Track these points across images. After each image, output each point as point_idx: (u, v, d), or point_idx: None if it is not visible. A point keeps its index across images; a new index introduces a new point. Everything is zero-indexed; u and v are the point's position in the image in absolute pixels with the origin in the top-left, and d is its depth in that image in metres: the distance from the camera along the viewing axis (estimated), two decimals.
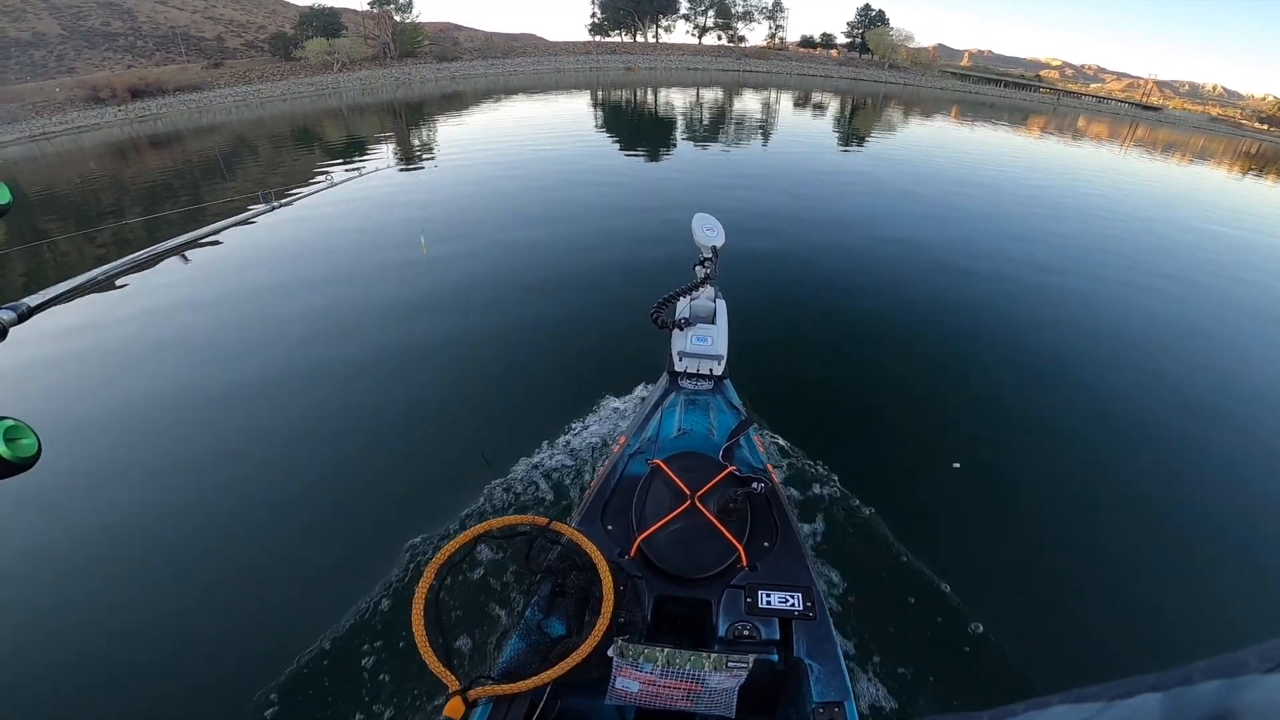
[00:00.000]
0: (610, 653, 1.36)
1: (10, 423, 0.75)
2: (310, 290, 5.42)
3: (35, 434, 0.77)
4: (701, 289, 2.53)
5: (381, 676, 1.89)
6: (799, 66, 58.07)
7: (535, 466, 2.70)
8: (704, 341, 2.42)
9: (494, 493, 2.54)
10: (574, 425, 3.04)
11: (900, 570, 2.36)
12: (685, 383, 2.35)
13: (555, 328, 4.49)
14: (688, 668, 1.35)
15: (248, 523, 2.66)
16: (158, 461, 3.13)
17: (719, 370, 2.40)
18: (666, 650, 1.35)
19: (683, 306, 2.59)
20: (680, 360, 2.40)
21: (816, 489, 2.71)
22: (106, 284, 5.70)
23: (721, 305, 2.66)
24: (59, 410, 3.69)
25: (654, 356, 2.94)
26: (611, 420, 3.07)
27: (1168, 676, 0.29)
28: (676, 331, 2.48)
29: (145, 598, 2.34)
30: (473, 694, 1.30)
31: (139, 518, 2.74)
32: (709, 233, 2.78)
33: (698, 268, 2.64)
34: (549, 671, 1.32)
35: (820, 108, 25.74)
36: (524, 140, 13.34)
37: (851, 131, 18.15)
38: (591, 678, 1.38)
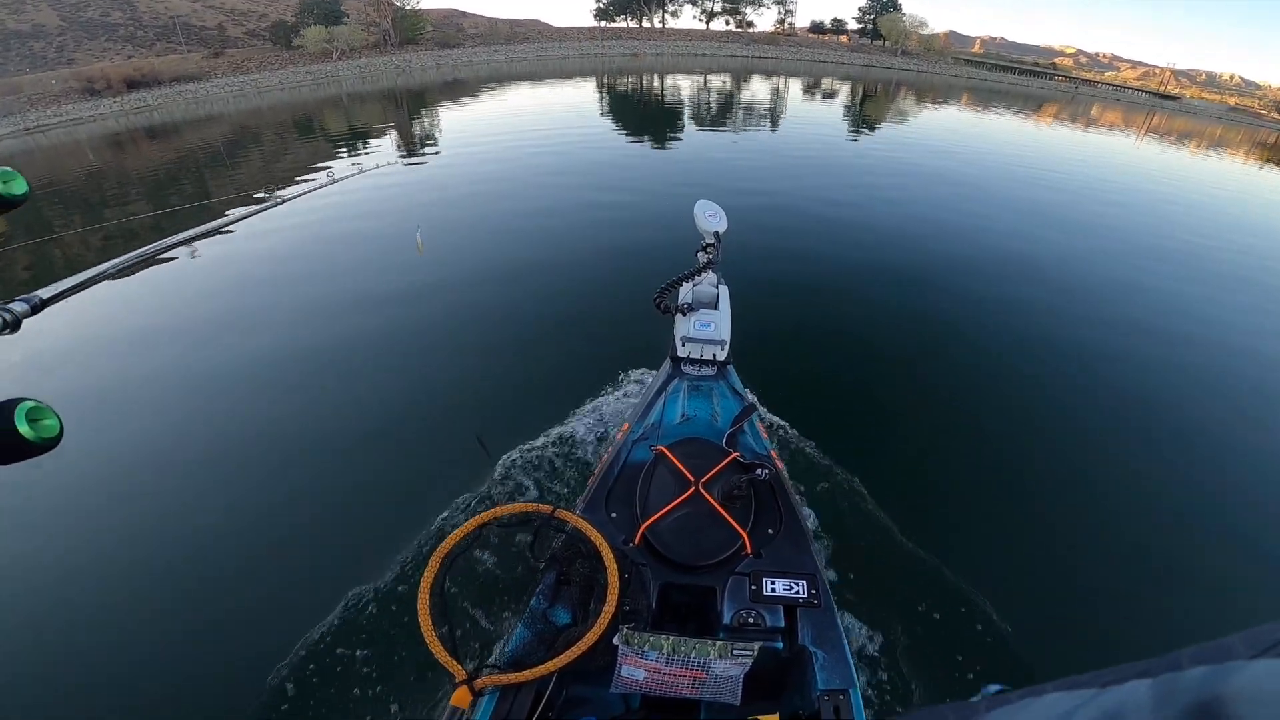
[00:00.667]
0: (615, 641, 1.35)
1: (32, 404, 0.76)
2: (310, 288, 5.41)
3: (57, 415, 0.78)
4: (704, 274, 2.51)
5: (388, 666, 1.89)
6: (809, 52, 57.27)
7: (538, 455, 2.69)
8: (707, 327, 2.41)
9: (497, 482, 2.54)
10: (576, 412, 3.03)
11: (905, 558, 2.36)
12: (688, 369, 2.33)
13: (556, 316, 4.48)
14: (693, 655, 1.35)
15: (249, 516, 2.66)
16: (158, 458, 3.14)
17: (722, 356, 2.38)
18: (671, 638, 1.34)
19: (685, 292, 2.57)
20: (683, 346, 2.38)
21: (820, 475, 2.70)
22: (108, 279, 5.71)
23: (724, 291, 2.64)
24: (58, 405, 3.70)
25: (656, 343, 2.92)
26: (615, 407, 3.06)
27: (1157, 663, 0.29)
28: (679, 317, 2.47)
29: (147, 593, 2.35)
30: (479, 683, 1.30)
31: (141, 514, 2.75)
32: (711, 218, 2.76)
33: (700, 253, 2.62)
34: (554, 660, 1.32)
35: (830, 95, 25.34)
36: (523, 136, 12.99)
37: (862, 118, 17.89)
38: (597, 666, 1.38)
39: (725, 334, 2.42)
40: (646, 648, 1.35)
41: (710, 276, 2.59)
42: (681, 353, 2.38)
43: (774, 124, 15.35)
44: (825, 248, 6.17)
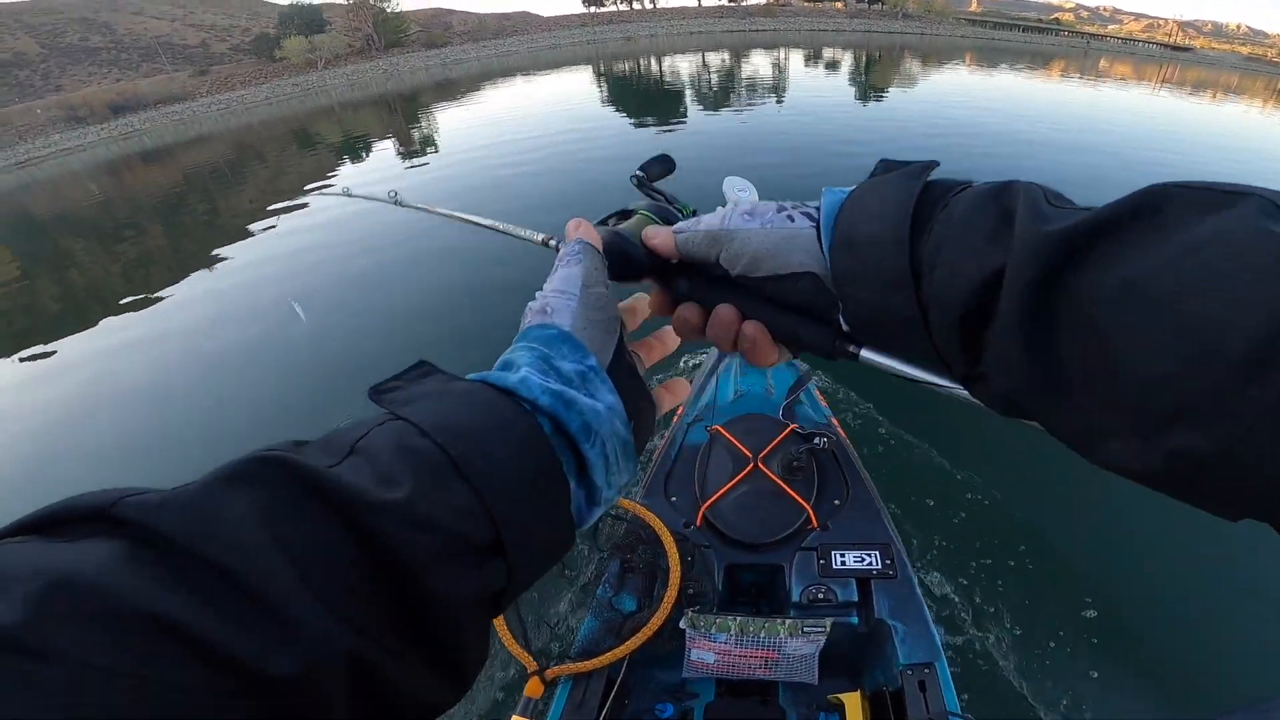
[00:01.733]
0: (682, 625, 1.35)
1: None
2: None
3: None
4: None
5: None
6: (807, 22, 56.49)
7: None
8: None
9: None
10: None
11: (994, 519, 2.24)
12: None
13: None
14: (762, 635, 1.33)
15: None
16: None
17: None
18: (739, 619, 1.33)
19: None
20: None
21: (893, 442, 2.59)
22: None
23: None
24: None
25: None
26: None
27: None
28: None
29: None
30: (550, 673, 1.32)
31: None
32: (741, 193, 2.70)
33: None
34: (621, 647, 1.33)
35: (834, 65, 24.70)
36: (518, 144, 11.09)
37: (870, 87, 17.38)
38: (666, 650, 1.38)
39: None
40: (714, 630, 1.34)
41: None
42: None
43: (779, 99, 14.96)
44: None
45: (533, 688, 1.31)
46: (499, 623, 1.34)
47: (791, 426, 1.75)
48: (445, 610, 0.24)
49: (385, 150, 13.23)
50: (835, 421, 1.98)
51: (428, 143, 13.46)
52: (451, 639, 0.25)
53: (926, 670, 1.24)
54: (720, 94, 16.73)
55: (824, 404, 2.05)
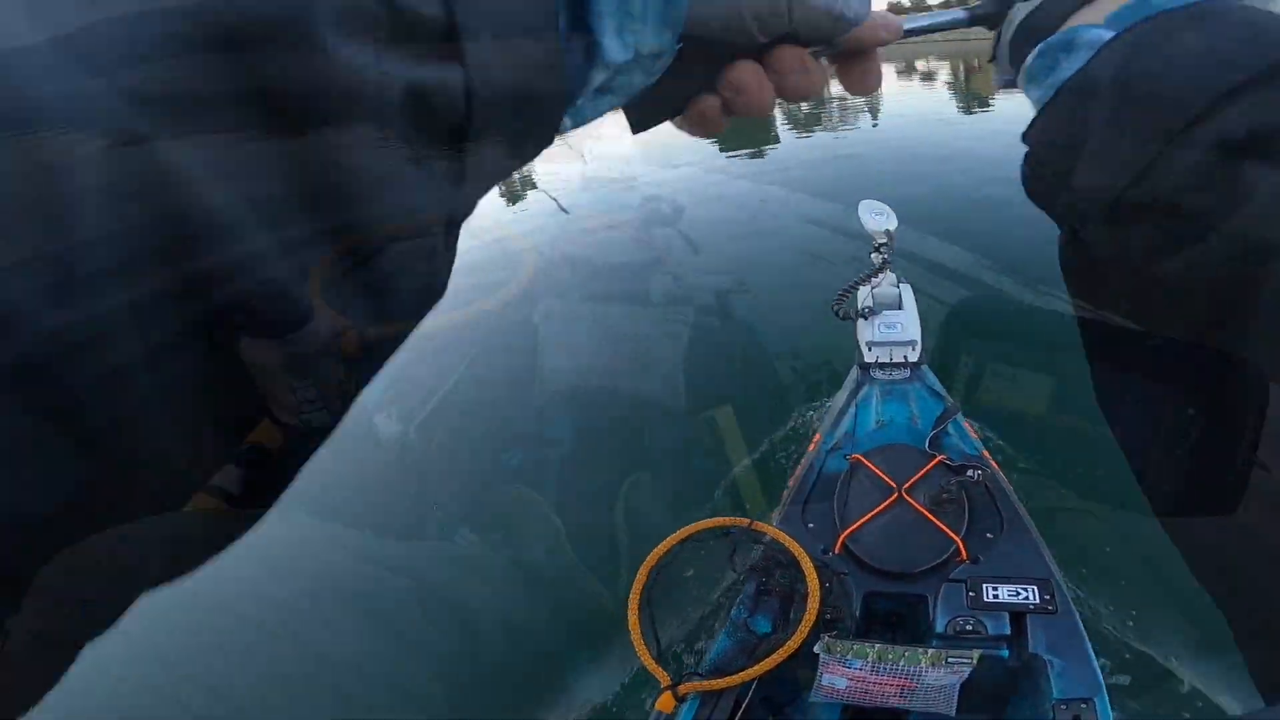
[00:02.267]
0: (817, 649, 1.37)
1: None
2: None
3: None
4: (882, 275, 2.41)
5: (595, 671, 1.97)
6: None
7: (728, 476, 2.71)
8: (893, 329, 2.35)
9: (694, 501, 2.56)
10: (768, 435, 2.95)
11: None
12: (878, 373, 2.27)
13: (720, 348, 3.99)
14: (901, 664, 1.33)
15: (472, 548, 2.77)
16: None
17: (914, 356, 2.29)
18: (878, 646, 1.34)
19: (864, 295, 2.53)
20: (870, 351, 2.33)
21: (1056, 484, 2.46)
22: None
23: (907, 289, 2.56)
24: None
25: (836, 363, 2.84)
26: (803, 419, 2.98)
27: None
28: (861, 321, 2.42)
29: (368, 619, 2.44)
30: (683, 689, 1.35)
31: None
32: (878, 217, 2.64)
33: (874, 254, 2.55)
34: (755, 668, 1.36)
35: (929, 76, 23.27)
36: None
37: (972, 97, 16.21)
38: (797, 674, 1.40)
39: (915, 333, 2.34)
40: (850, 656, 1.36)
41: (890, 276, 2.49)
42: (869, 358, 2.33)
43: (874, 118, 14.43)
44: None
45: (665, 702, 1.35)
46: (635, 637, 1.43)
47: (940, 458, 1.73)
48: (346, 98, 0.14)
49: None
50: (987, 454, 1.92)
51: None
52: (360, 163, 0.15)
53: (1084, 705, 1.19)
54: (811, 115, 16.26)
55: (974, 436, 1.99)
